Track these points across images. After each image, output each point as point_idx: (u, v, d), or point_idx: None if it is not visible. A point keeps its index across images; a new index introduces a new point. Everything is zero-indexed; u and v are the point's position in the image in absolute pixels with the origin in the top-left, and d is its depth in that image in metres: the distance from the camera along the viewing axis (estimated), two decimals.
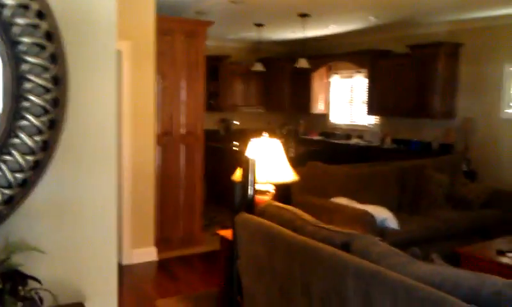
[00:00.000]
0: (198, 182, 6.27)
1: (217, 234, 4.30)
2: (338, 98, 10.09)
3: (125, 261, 5.55)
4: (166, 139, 5.95)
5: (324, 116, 10.32)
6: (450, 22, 7.61)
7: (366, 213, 4.66)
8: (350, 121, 9.78)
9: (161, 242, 5.88)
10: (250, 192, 3.52)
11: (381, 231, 4.70)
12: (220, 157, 8.56)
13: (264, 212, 3.30)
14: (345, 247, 2.64)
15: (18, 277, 1.35)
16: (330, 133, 9.96)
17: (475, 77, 7.46)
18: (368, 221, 4.59)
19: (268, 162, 3.77)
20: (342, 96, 9.99)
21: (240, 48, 10.40)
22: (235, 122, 10.19)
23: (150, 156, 5.67)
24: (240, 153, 4.05)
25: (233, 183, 3.71)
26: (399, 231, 4.91)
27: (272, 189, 3.85)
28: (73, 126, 1.77)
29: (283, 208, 3.23)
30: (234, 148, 8.17)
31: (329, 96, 10.23)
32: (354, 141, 9.21)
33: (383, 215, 4.89)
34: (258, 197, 3.69)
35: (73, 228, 1.78)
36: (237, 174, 3.78)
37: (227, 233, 4.07)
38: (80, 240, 1.79)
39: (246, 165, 3.49)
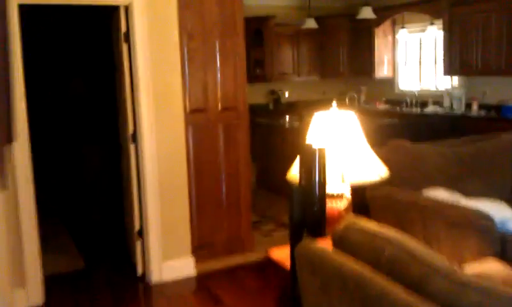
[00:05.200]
0: (243, 169, 4.96)
1: (269, 258, 2.99)
2: (407, 58, 8.66)
3: (155, 278, 4.35)
4: (198, 117, 4.65)
5: (390, 81, 8.94)
6: None
7: (481, 215, 3.20)
8: (422, 86, 8.29)
9: (200, 250, 4.64)
10: (317, 201, 2.18)
11: (502, 239, 3.25)
12: (270, 135, 7.42)
13: (342, 240, 1.95)
14: None
15: None
16: (399, 101, 8.48)
17: None
18: (485, 227, 3.14)
19: (342, 150, 2.39)
20: (412, 55, 8.54)
21: (286, 6, 8.99)
22: (285, 94, 9.06)
23: (179, 139, 4.43)
24: (299, 135, 2.68)
25: (288, 186, 2.37)
26: None
27: (348, 192, 2.49)
28: None
29: (377, 235, 1.85)
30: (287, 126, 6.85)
31: (395, 56, 8.85)
32: (430, 109, 7.66)
33: (503, 214, 3.42)
34: (330, 206, 2.35)
35: None
36: (294, 171, 2.43)
37: (282, 257, 2.74)
38: None
39: (309, 159, 2.14)
